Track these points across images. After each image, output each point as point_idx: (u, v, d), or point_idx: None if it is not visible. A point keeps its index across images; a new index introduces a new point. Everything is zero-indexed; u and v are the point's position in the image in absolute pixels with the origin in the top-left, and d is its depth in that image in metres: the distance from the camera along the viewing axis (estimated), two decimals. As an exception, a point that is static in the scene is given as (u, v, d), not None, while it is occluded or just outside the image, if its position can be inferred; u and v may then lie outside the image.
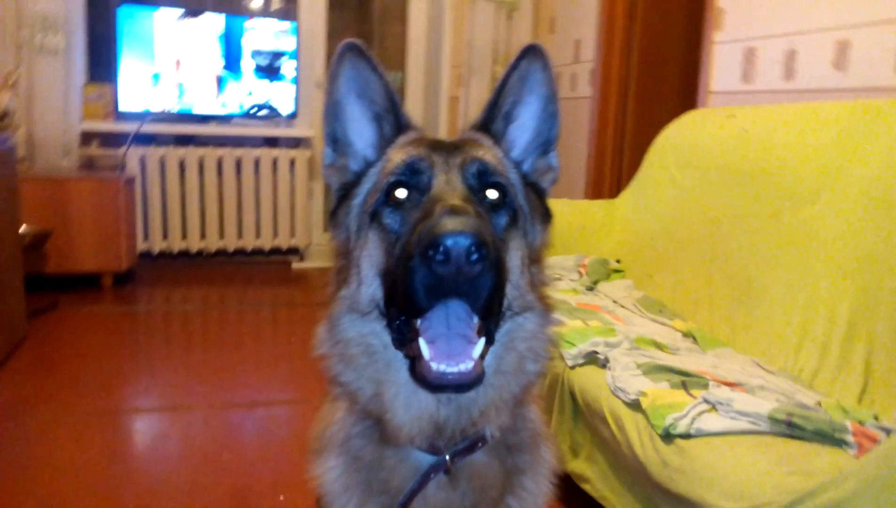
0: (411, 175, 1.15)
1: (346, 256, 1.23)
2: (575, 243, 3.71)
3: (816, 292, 2.40)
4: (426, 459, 1.18)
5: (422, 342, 1.05)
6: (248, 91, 6.26)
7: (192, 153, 6.14)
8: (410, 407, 1.14)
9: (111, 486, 2.77)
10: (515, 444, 1.25)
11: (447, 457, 1.16)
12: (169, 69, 6.08)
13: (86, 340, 4.54)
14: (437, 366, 1.03)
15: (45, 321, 4.72)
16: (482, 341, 1.07)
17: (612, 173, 5.16)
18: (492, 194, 1.16)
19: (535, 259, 1.25)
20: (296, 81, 6.31)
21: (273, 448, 3.17)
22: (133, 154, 6.00)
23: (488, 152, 1.23)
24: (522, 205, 1.24)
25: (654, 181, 3.58)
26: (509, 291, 1.13)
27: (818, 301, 2.38)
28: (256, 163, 6.31)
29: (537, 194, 1.32)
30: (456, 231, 0.94)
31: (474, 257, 0.94)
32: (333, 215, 1.29)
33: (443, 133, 6.57)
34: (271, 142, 6.46)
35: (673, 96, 4.79)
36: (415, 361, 1.07)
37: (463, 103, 6.22)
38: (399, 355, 1.14)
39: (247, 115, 6.32)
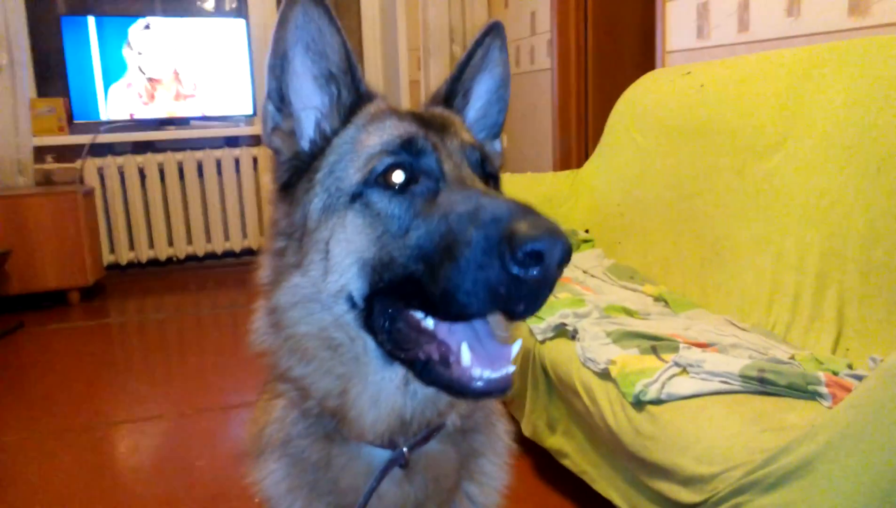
0: (413, 157, 1.02)
1: (299, 238, 1.08)
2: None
3: (784, 245, 2.35)
4: (379, 454, 1.10)
5: (464, 348, 0.95)
6: (205, 93, 6.13)
7: (151, 160, 6.01)
8: (378, 404, 1.06)
9: (85, 501, 2.69)
10: (470, 427, 1.19)
11: (405, 450, 1.09)
12: (121, 77, 5.93)
13: (54, 358, 4.42)
14: (482, 372, 0.95)
15: (10, 342, 4.60)
16: (519, 342, 1.01)
17: (578, 143, 5.09)
18: (490, 169, 1.14)
19: None
20: (252, 78, 6.17)
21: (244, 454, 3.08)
22: (91, 166, 5.88)
23: (472, 136, 1.17)
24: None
25: (616, 147, 3.52)
26: None
27: (787, 254, 2.33)
28: (218, 164, 6.19)
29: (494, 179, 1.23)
30: (556, 239, 0.83)
31: (563, 266, 0.86)
32: (285, 189, 1.12)
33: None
34: (232, 142, 6.33)
35: (632, 60, 4.72)
36: (426, 364, 0.98)
37: (423, 86, 6.12)
38: (368, 348, 1.04)
39: (204, 117, 6.18)
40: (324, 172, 1.08)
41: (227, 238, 6.37)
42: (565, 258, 0.85)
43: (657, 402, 1.78)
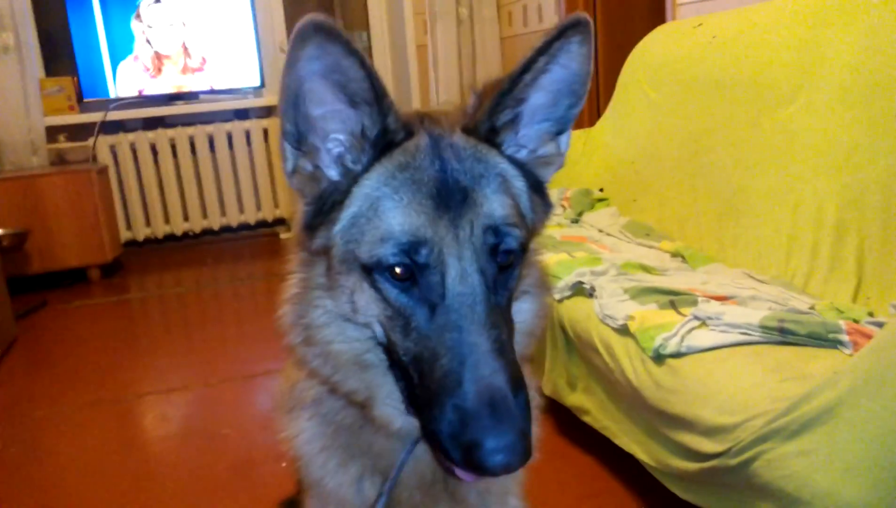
0: (418, 265, 0.97)
1: (327, 262, 1.06)
2: (556, 176, 3.60)
3: (802, 195, 2.33)
4: (412, 422, 1.11)
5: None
6: (212, 67, 6.10)
7: (162, 135, 6.02)
8: (406, 413, 1.07)
9: (114, 472, 2.75)
10: None
11: None
12: (129, 54, 5.92)
13: (78, 334, 4.49)
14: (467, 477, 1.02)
15: (35, 320, 4.68)
16: None
17: (589, 102, 5.04)
18: (505, 257, 1.01)
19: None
20: (258, 49, 6.13)
21: (271, 418, 3.13)
22: (103, 144, 5.90)
23: (498, 199, 1.02)
24: (529, 225, 1.08)
25: (629, 103, 3.48)
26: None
27: (804, 204, 2.32)
28: (229, 137, 6.19)
29: (539, 192, 1.13)
30: (505, 464, 0.88)
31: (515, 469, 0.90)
32: (308, 229, 1.07)
33: (414, 84, 6.43)
34: (241, 114, 6.32)
35: (641, 14, 4.65)
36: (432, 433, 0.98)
37: (430, 50, 6.06)
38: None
39: (213, 90, 6.17)
40: (343, 223, 1.03)
41: (241, 211, 6.40)
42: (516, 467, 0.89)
43: (677, 355, 1.79)
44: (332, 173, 1.04)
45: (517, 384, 0.93)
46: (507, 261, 1.01)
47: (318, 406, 1.18)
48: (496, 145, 1.08)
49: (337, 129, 1.02)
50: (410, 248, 0.96)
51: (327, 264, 1.05)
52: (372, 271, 0.98)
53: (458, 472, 0.99)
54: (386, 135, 1.02)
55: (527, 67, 1.02)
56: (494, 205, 1.00)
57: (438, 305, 0.96)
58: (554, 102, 1.10)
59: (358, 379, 1.08)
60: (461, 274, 0.96)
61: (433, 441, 0.95)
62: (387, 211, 0.98)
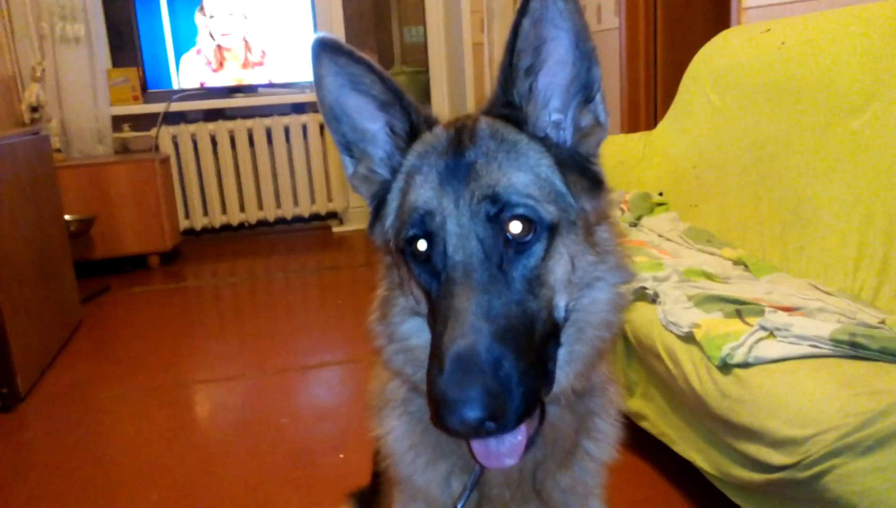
0: (427, 231, 1.03)
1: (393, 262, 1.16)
2: (614, 179, 3.55)
3: (872, 207, 2.29)
4: None
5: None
6: (271, 61, 6.22)
7: (221, 127, 6.17)
8: None
9: (175, 456, 2.85)
10: (587, 390, 1.21)
11: None
12: (192, 46, 6.07)
13: (139, 319, 4.64)
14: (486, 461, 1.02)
15: (98, 304, 4.84)
16: (523, 426, 1.01)
17: (646, 105, 5.00)
18: (515, 227, 1.01)
19: (597, 222, 1.11)
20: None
21: (329, 408, 3.21)
22: (165, 134, 6.06)
23: (508, 171, 1.03)
24: (562, 203, 1.06)
25: (691, 108, 3.45)
26: (560, 301, 1.05)
27: (875, 216, 2.27)
28: (286, 131, 6.31)
29: (580, 169, 1.10)
30: (462, 418, 0.88)
31: (489, 426, 0.90)
32: (370, 229, 1.18)
33: (469, 82, 6.45)
34: (299, 108, 6.43)
35: (704, 18, 4.60)
36: None
37: (487, 49, 6.08)
38: None
39: (271, 84, 6.28)
40: (391, 217, 1.13)
41: (296, 203, 6.51)
42: (483, 423, 0.88)
43: (744, 365, 1.78)
44: (383, 172, 1.15)
45: (516, 357, 0.92)
46: (522, 234, 1.01)
47: (408, 405, 1.22)
48: (518, 123, 1.10)
49: (374, 131, 1.14)
50: (422, 220, 1.03)
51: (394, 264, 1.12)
52: (403, 253, 1.06)
53: (477, 453, 1.02)
54: (413, 130, 1.12)
55: (514, 32, 1.03)
56: (499, 176, 1.02)
57: (442, 271, 1.01)
58: (568, 69, 1.08)
59: None
60: (459, 240, 1.00)
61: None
62: (409, 195, 1.07)
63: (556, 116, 1.11)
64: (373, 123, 1.14)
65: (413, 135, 1.12)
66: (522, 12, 1.02)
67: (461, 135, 1.07)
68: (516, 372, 0.92)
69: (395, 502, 1.26)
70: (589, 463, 1.23)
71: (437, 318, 0.97)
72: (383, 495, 1.35)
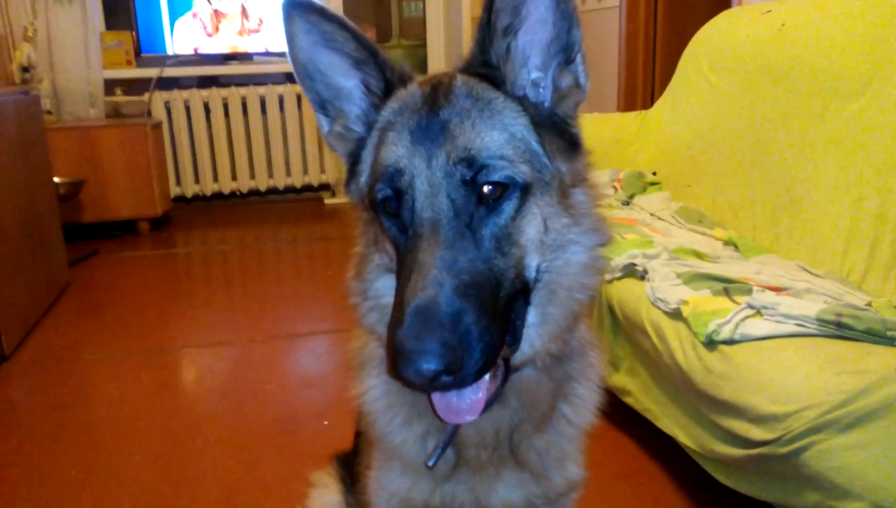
0: (397, 188, 1.02)
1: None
2: (608, 157, 3.61)
3: (864, 191, 2.29)
4: None
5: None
6: (268, 28, 6.15)
7: (215, 94, 6.11)
8: None
9: (159, 419, 2.85)
10: (566, 354, 1.20)
11: None
12: (187, 11, 5.99)
13: (127, 284, 4.63)
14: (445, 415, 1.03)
15: (86, 267, 4.82)
16: (486, 377, 1.00)
17: (644, 84, 4.99)
18: (487, 187, 1.00)
19: (573, 185, 1.11)
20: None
21: (315, 376, 3.21)
22: (158, 99, 6.00)
23: (482, 131, 1.02)
24: (537, 164, 1.05)
25: (688, 88, 3.43)
26: (531, 261, 1.04)
27: (867, 199, 2.27)
28: (280, 100, 6.26)
29: (557, 130, 1.10)
30: (417, 369, 0.88)
31: (446, 380, 0.90)
32: (346, 186, 1.19)
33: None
34: (293, 78, 6.34)
35: (705, -1, 4.57)
36: None
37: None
38: None
39: (267, 52, 6.22)
40: (365, 173, 1.13)
41: (288, 173, 6.48)
42: (440, 376, 0.89)
43: (730, 342, 1.79)
44: (359, 129, 1.15)
45: (478, 313, 0.92)
46: (494, 194, 1.00)
47: (385, 364, 1.21)
48: (496, 82, 1.08)
49: (349, 89, 1.13)
50: (392, 177, 1.02)
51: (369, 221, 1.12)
52: (376, 209, 1.06)
53: (437, 408, 1.03)
54: (389, 87, 1.11)
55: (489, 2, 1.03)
56: (473, 137, 1.01)
57: (410, 228, 1.01)
58: (548, 28, 1.07)
59: None
60: (427, 199, 1.00)
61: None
62: (381, 152, 1.07)
63: (535, 75, 1.10)
64: (347, 81, 1.14)
65: (388, 92, 1.11)
66: None
67: (436, 92, 1.06)
68: (477, 328, 0.91)
69: (373, 461, 1.26)
70: (566, 428, 1.23)
71: (402, 272, 0.98)
72: (362, 454, 1.35)
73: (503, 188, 1.01)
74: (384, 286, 1.13)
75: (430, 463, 1.13)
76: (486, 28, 1.05)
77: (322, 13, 1.07)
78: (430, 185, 1.00)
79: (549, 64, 1.09)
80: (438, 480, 1.19)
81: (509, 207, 1.01)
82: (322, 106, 1.15)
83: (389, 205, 1.03)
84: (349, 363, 1.30)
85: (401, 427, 1.19)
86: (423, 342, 0.88)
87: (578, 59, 1.09)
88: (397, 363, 0.89)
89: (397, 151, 1.03)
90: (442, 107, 1.04)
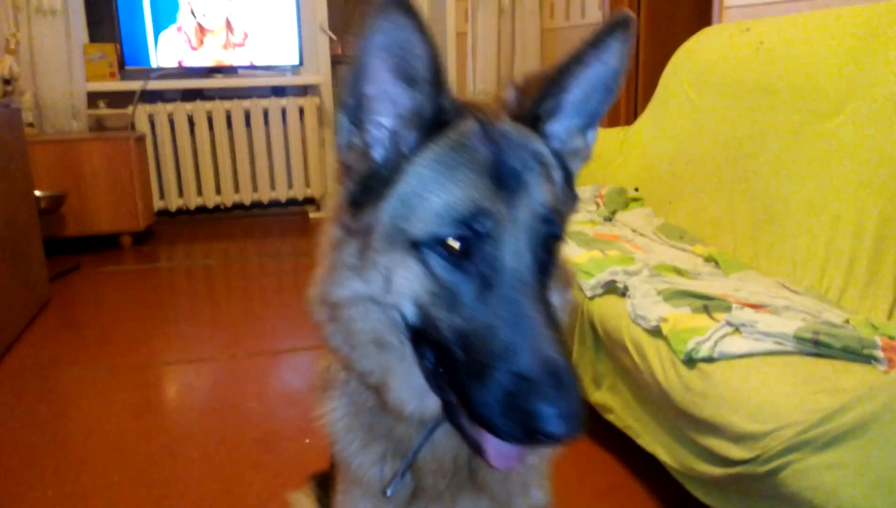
0: (477, 237, 0.96)
1: (360, 241, 1.05)
2: (591, 173, 3.63)
3: (842, 208, 2.32)
4: (425, 407, 1.11)
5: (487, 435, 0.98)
6: (253, 43, 6.15)
7: (199, 108, 6.08)
8: (418, 395, 1.08)
9: (139, 437, 2.81)
10: None
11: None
12: (171, 24, 5.98)
13: (109, 299, 4.58)
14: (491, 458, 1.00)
15: (67, 282, 4.77)
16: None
17: (627, 100, 5.02)
18: (550, 246, 1.03)
19: None
20: (298, 27, 6.16)
21: (297, 393, 3.19)
22: (141, 112, 5.97)
23: (545, 186, 1.02)
24: (563, 218, 1.08)
25: (669, 104, 3.46)
26: None
27: (844, 217, 2.30)
28: (265, 114, 6.24)
29: (567, 181, 1.13)
30: (570, 429, 0.87)
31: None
32: (353, 206, 1.06)
33: (451, 72, 6.43)
34: (279, 91, 6.37)
35: (687, 14, 4.62)
36: (452, 407, 1.01)
37: (470, 39, 6.06)
38: (412, 352, 1.06)
39: (252, 66, 6.21)
40: (392, 201, 1.02)
41: (272, 187, 6.46)
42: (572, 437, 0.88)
43: (709, 360, 1.80)
44: (381, 151, 1.04)
45: (569, 361, 0.93)
46: (553, 249, 1.03)
47: (346, 386, 1.20)
48: (540, 135, 1.09)
49: (390, 107, 1.02)
50: (471, 218, 0.96)
51: (362, 244, 1.04)
52: (421, 246, 0.98)
53: (490, 454, 0.99)
54: (440, 115, 1.02)
55: (577, 58, 1.06)
56: (543, 192, 1.01)
57: (493, 278, 0.96)
58: (588, 97, 1.11)
59: (374, 360, 1.08)
60: (517, 250, 0.97)
61: (476, 416, 0.94)
62: (444, 188, 0.98)
63: (558, 135, 1.12)
64: (392, 98, 1.02)
65: (436, 119, 1.02)
66: (592, 44, 1.06)
67: (492, 134, 1.02)
68: (578, 379, 0.92)
69: (339, 484, 1.25)
70: (530, 456, 1.20)
71: (493, 321, 0.94)
72: (333, 478, 1.34)
73: (557, 243, 1.04)
74: (358, 314, 1.06)
75: (389, 492, 1.12)
76: (553, 84, 1.08)
77: (419, 21, 0.95)
78: (516, 236, 0.98)
79: (572, 127, 1.13)
80: (399, 506, 1.18)
81: (554, 262, 1.05)
82: (354, 114, 1.02)
83: (451, 246, 0.97)
84: (314, 384, 1.29)
85: (359, 450, 1.18)
86: (569, 403, 0.87)
87: (596, 125, 1.16)
88: (534, 424, 0.87)
89: (475, 192, 0.97)
90: (508, 156, 1.01)
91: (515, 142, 1.03)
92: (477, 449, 1.00)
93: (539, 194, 1.00)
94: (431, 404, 1.08)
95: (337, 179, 1.10)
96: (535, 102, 1.08)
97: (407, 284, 1.00)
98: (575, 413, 0.87)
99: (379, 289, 1.03)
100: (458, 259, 0.97)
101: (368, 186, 1.04)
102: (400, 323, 1.03)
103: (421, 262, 0.98)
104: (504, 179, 0.99)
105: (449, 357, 0.98)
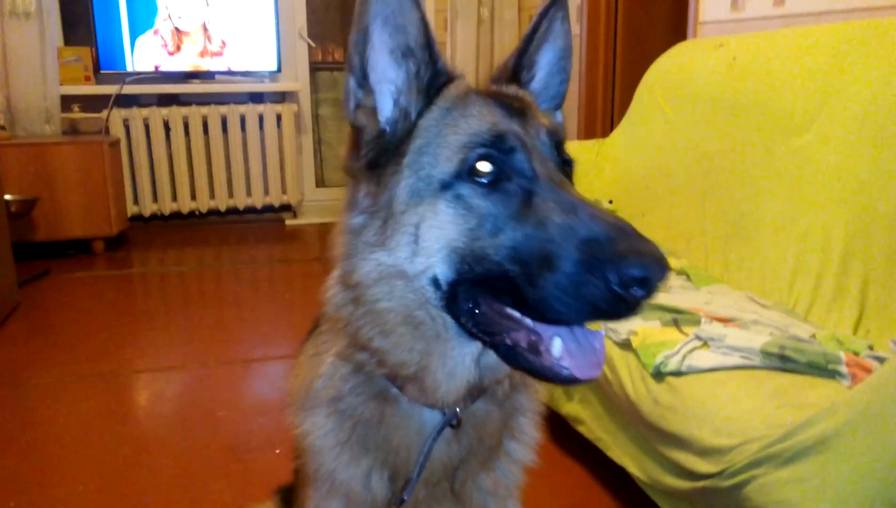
0: (504, 154, 1.01)
1: (383, 218, 1.06)
2: (566, 185, 3.64)
3: (810, 223, 2.35)
4: (430, 414, 1.13)
5: (556, 341, 0.97)
6: (231, 48, 6.12)
7: (175, 113, 6.04)
8: (454, 377, 1.08)
9: (108, 446, 2.77)
10: (512, 385, 1.20)
11: (458, 410, 1.12)
12: (148, 28, 5.93)
13: (79, 305, 4.52)
14: (571, 362, 0.97)
15: (37, 288, 4.70)
16: (602, 334, 1.02)
17: (604, 112, 5.06)
18: (566, 155, 1.14)
19: None
20: (277, 34, 6.14)
21: (268, 403, 3.16)
22: (116, 117, 5.92)
23: (548, 118, 1.15)
24: None
25: (644, 118, 3.49)
26: None
27: (812, 232, 2.33)
28: (242, 120, 6.21)
29: None
30: (661, 265, 0.87)
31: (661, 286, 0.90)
32: (372, 168, 1.09)
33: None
34: (256, 98, 6.34)
35: (663, 29, 4.67)
36: (512, 349, 1.00)
37: (449, 49, 6.08)
38: (448, 326, 1.05)
39: (230, 71, 6.18)
40: (411, 156, 1.06)
41: (248, 194, 6.42)
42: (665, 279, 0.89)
43: (677, 374, 1.81)
44: (389, 111, 1.10)
45: None
46: (565, 152, 1.14)
47: (338, 403, 1.18)
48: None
49: (393, 71, 1.09)
50: (495, 138, 1.02)
51: (385, 216, 1.05)
52: (452, 184, 1.01)
53: (570, 369, 0.97)
54: (437, 77, 1.11)
55: (535, 27, 1.22)
56: (546, 116, 1.15)
57: (530, 185, 1.00)
58: (549, 81, 1.27)
59: (408, 347, 1.07)
60: (542, 157, 1.05)
61: (552, 311, 0.92)
62: (461, 124, 1.06)
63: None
64: (395, 65, 1.09)
65: (435, 82, 1.11)
66: (544, 15, 1.21)
67: (488, 89, 1.18)
68: None
69: (309, 499, 1.24)
70: (510, 465, 1.23)
71: (545, 218, 0.96)
72: (298, 491, 1.33)
73: (570, 167, 1.14)
74: (383, 292, 1.05)
75: (406, 496, 1.12)
76: (523, 55, 1.24)
77: None
78: (537, 144, 1.06)
79: (550, 110, 1.28)
80: None
81: (570, 163, 1.14)
82: (361, 76, 1.08)
83: (482, 171, 1.01)
84: (290, 401, 1.27)
85: (347, 464, 1.17)
86: (648, 243, 0.89)
87: (560, 110, 1.31)
88: (637, 265, 0.86)
89: (492, 117, 1.06)
90: (510, 97, 1.14)
91: (511, 93, 1.19)
92: (550, 375, 0.98)
93: (543, 119, 1.12)
94: (462, 377, 1.09)
95: (348, 151, 1.14)
96: (512, 71, 1.24)
97: (439, 233, 1.01)
98: (660, 254, 0.87)
99: (406, 255, 1.03)
100: (490, 183, 1.01)
101: (384, 148, 1.09)
102: (430, 295, 1.03)
103: (454, 200, 1.01)
104: (511, 109, 1.09)
105: (502, 283, 0.97)
